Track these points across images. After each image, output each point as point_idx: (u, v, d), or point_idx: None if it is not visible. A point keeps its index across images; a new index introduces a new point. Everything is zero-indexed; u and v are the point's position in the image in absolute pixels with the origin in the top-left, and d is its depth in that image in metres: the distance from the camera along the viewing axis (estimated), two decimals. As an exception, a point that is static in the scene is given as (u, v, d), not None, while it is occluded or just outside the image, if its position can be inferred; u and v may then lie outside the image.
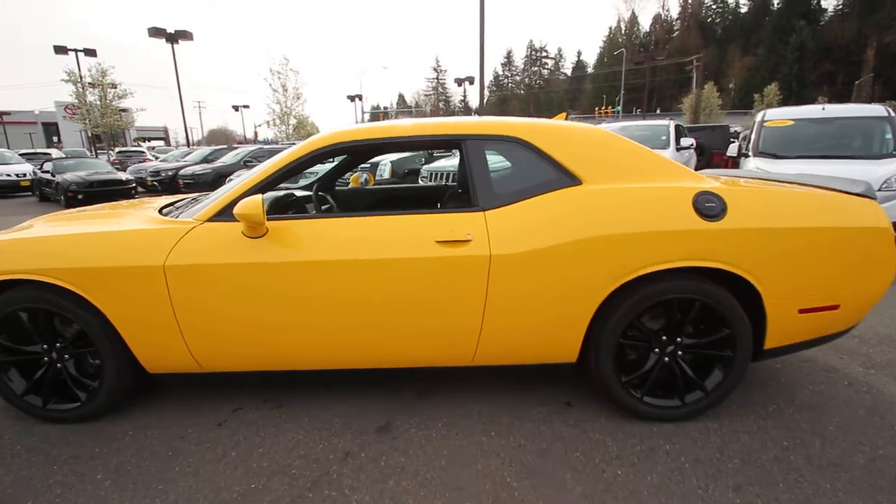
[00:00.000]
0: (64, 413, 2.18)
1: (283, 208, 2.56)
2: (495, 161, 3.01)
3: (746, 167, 5.81)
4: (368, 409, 2.28)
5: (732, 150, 6.88)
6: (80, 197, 11.76)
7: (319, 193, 3.16)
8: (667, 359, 2.10)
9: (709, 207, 1.93)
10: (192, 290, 1.95)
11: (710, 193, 1.96)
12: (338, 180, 3.45)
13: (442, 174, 6.94)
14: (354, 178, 3.66)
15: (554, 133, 2.08)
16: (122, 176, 12.74)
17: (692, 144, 8.64)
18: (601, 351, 2.05)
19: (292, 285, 1.94)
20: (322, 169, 5.43)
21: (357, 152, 2.34)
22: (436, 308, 1.97)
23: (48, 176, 12.86)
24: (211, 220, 2.02)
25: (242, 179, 2.12)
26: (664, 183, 2.01)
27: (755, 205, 1.95)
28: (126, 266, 1.95)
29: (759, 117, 6.52)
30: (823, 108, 6.14)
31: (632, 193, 1.96)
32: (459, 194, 2.99)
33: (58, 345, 2.15)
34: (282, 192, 2.72)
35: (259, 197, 1.86)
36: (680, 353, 2.10)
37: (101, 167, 13.64)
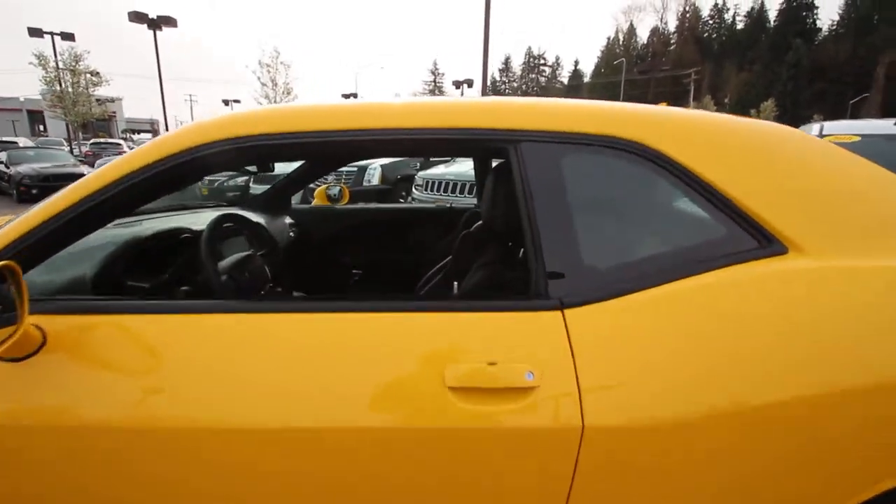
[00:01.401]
0: None
1: (146, 268, 1.33)
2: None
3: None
4: None
5: None
6: (34, 191, 10.79)
7: (226, 226, 1.44)
8: None
9: None
10: None
11: None
12: (298, 191, 2.34)
13: (442, 184, 5.71)
14: (320, 192, 2.45)
15: (720, 138, 0.96)
16: (84, 170, 11.72)
17: None
18: None
19: (89, 472, 0.83)
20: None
21: (289, 156, 1.11)
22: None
23: (2, 167, 11.70)
24: None
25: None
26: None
27: None
28: None
29: (814, 130, 5.60)
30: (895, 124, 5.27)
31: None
32: (486, 240, 1.53)
33: None
34: (158, 226, 1.45)
35: None
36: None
37: (63, 159, 12.69)
